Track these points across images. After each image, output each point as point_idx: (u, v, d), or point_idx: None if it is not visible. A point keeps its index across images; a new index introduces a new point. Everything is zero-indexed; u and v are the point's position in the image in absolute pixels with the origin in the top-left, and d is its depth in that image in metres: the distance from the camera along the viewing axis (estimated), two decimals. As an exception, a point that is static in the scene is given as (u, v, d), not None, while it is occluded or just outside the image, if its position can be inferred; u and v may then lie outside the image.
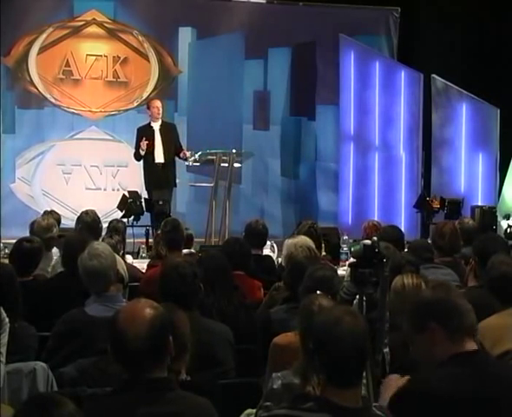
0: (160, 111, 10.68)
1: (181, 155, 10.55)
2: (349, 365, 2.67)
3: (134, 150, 10.71)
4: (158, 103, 10.78)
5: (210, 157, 10.52)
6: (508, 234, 9.90)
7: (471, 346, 2.99)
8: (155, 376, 2.82)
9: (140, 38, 12.40)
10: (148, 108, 10.82)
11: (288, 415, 2.71)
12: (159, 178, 10.43)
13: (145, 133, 10.51)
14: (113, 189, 12.15)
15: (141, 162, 10.63)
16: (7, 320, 4.10)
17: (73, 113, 12.19)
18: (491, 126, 12.04)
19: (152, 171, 10.48)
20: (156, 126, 10.60)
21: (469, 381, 2.89)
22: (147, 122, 10.70)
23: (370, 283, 3.50)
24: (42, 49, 12.04)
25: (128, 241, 8.23)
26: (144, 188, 10.59)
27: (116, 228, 7.45)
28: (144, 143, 10.37)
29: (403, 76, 12.30)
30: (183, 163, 10.90)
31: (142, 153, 10.43)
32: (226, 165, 10.54)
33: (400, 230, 6.71)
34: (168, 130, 10.71)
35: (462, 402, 2.86)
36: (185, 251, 6.87)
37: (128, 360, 2.84)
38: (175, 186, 10.75)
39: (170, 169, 10.62)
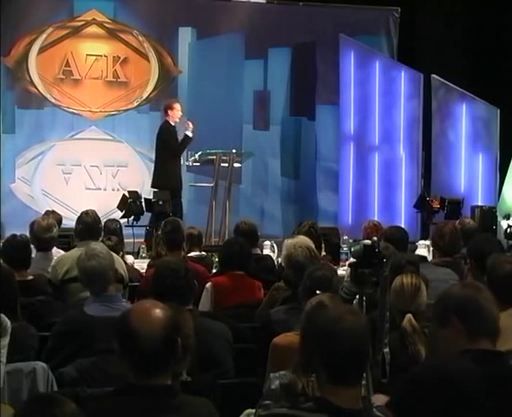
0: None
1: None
2: (348, 365, 2.65)
3: (156, 149, 10.63)
4: (180, 107, 10.69)
5: (210, 157, 10.54)
6: (508, 234, 9.89)
7: (487, 347, 2.97)
8: (161, 383, 2.79)
9: (140, 38, 12.39)
10: (171, 109, 10.54)
11: (287, 414, 2.71)
12: (179, 180, 10.51)
13: (174, 132, 10.50)
14: (113, 189, 12.14)
15: (155, 160, 10.66)
16: (9, 324, 4.09)
17: (73, 113, 12.19)
18: (491, 126, 12.02)
19: (177, 172, 10.48)
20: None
21: (475, 377, 2.88)
22: (163, 121, 10.65)
23: (370, 283, 3.51)
24: (42, 49, 12.04)
25: (128, 241, 8.22)
26: (149, 186, 10.54)
27: (110, 229, 7.38)
28: (189, 124, 10.37)
29: (403, 76, 12.29)
30: (183, 164, 10.89)
31: (191, 135, 10.38)
32: (226, 165, 10.54)
33: (405, 231, 6.69)
34: None
35: (467, 396, 2.85)
36: (193, 254, 6.85)
37: (137, 361, 2.79)
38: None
39: None
